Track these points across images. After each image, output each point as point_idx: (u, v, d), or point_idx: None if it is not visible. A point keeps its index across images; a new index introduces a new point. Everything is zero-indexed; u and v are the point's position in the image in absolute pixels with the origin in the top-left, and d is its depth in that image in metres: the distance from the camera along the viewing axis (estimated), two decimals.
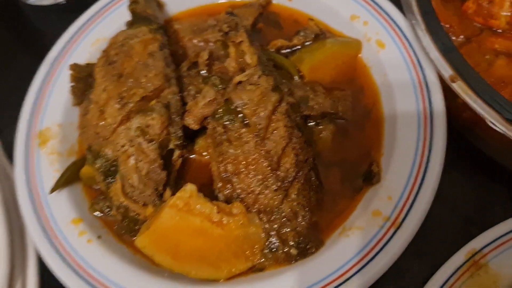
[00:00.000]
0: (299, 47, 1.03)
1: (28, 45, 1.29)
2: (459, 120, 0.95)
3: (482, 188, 0.97)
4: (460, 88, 0.83)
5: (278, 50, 1.02)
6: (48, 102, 1.01)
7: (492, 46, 0.97)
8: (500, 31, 0.99)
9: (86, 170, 0.91)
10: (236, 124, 0.83)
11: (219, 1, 1.14)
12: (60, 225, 0.88)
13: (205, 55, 0.91)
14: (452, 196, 0.96)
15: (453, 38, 1.00)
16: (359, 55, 1.01)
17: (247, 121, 0.83)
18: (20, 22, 1.34)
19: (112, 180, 0.86)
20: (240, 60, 0.87)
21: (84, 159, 0.92)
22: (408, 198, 0.82)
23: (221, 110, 0.84)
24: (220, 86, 0.88)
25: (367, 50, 1.00)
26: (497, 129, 0.78)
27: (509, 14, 0.98)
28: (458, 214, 0.95)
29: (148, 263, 0.86)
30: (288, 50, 1.03)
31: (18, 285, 0.88)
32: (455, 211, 0.95)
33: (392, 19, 0.98)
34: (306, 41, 1.02)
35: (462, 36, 1.00)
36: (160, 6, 1.11)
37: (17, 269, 0.89)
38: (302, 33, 1.02)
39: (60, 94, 1.02)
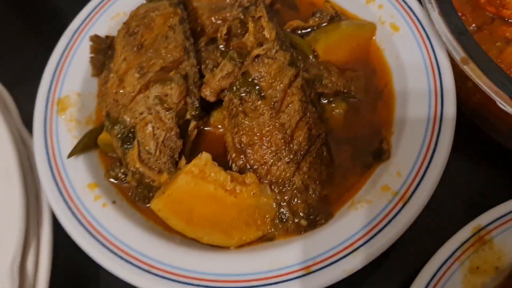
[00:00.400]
0: (314, 28, 1.05)
1: (48, 19, 1.32)
2: (469, 104, 0.97)
3: (488, 171, 1.00)
4: (471, 70, 0.85)
5: (294, 30, 1.05)
6: (68, 72, 1.04)
7: (503, 34, 0.99)
8: (511, 21, 1.01)
9: (104, 136, 0.94)
10: (252, 96, 0.86)
11: None
12: (76, 189, 0.91)
13: (224, 30, 0.94)
14: (459, 178, 0.99)
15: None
16: (373, 37, 1.03)
17: (263, 94, 0.86)
18: None
19: (129, 146, 0.88)
20: (258, 35, 0.89)
21: (102, 127, 0.95)
22: (416, 175, 0.84)
23: (239, 82, 0.87)
24: (238, 60, 0.90)
25: (381, 33, 1.02)
26: (508, 110, 0.81)
27: None
28: (464, 194, 0.98)
29: (161, 229, 0.88)
30: (304, 31, 1.05)
31: (33, 244, 0.90)
32: (461, 191, 0.99)
33: (406, 3, 1.00)
34: (322, 23, 1.04)
35: (474, 25, 1.02)
36: None
37: (32, 229, 0.91)
38: (318, 15, 1.04)
39: (80, 64, 1.05)
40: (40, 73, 1.06)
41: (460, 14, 1.03)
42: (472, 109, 0.98)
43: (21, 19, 1.34)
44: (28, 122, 1.05)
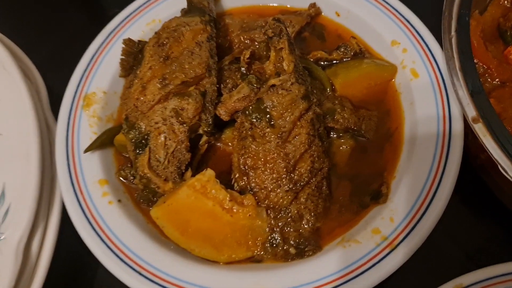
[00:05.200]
0: (337, 61, 1.07)
1: (87, 8, 1.39)
2: (477, 159, 0.98)
3: (486, 227, 1.01)
4: (480, 130, 0.86)
5: (317, 60, 1.07)
6: (98, 70, 1.10)
7: None
8: None
9: (120, 137, 0.99)
10: (262, 123, 0.89)
11: (271, 4, 1.20)
12: (87, 183, 0.97)
13: (247, 54, 0.97)
14: (458, 230, 1.00)
15: (489, 80, 1.03)
16: (393, 79, 1.05)
17: (273, 122, 0.89)
18: None
19: (141, 151, 0.93)
20: (278, 65, 0.92)
21: (120, 127, 1.00)
22: (409, 224, 0.86)
23: (252, 107, 0.90)
24: (256, 85, 0.94)
25: (401, 76, 1.03)
26: (508, 176, 0.81)
27: None
28: (459, 247, 0.99)
29: (158, 234, 0.93)
30: (327, 63, 1.08)
31: (40, 226, 0.95)
32: (457, 244, 0.99)
33: (430, 52, 1.01)
34: (345, 57, 1.07)
35: (497, 80, 1.02)
36: None
37: (42, 212, 0.96)
38: (342, 49, 1.06)
39: (110, 64, 1.10)
40: (75, 59, 1.12)
41: (485, 66, 1.04)
42: (480, 165, 0.99)
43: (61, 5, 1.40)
44: (55, 105, 1.10)
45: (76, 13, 1.39)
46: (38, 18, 1.39)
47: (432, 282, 0.86)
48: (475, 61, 1.03)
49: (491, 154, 0.83)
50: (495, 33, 1.08)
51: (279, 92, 0.89)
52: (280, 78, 0.90)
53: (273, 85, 0.90)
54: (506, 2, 1.10)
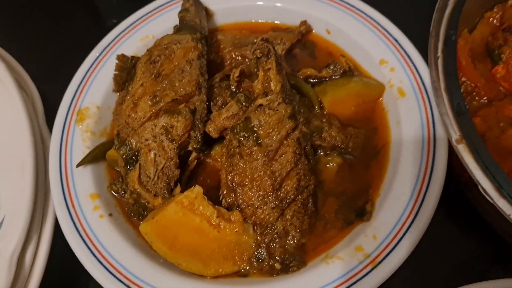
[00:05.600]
0: (326, 79, 1.09)
1: (85, 19, 1.41)
2: (461, 178, 1.00)
3: (473, 245, 1.01)
4: (462, 151, 0.87)
5: (306, 78, 1.09)
6: (92, 84, 1.12)
7: (509, 114, 1.00)
8: None
9: (112, 152, 1.01)
10: (249, 142, 0.91)
11: (263, 21, 1.21)
12: (79, 197, 0.99)
13: (237, 73, 0.99)
14: (444, 246, 1.01)
15: (476, 98, 1.04)
16: (381, 98, 1.06)
17: (260, 141, 0.91)
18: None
19: (132, 168, 0.95)
20: (266, 84, 0.94)
21: (112, 142, 1.02)
22: (391, 242, 0.87)
23: (240, 126, 0.92)
24: (244, 103, 0.96)
25: (388, 95, 1.05)
26: (487, 197, 0.83)
27: None
28: (445, 263, 1.00)
29: (148, 248, 0.95)
30: (316, 80, 1.09)
31: (34, 238, 0.97)
32: (443, 260, 1.00)
33: (417, 72, 1.02)
34: (334, 75, 1.08)
35: (485, 98, 1.03)
36: (209, 15, 1.20)
37: (35, 224, 0.98)
38: (331, 67, 1.08)
39: (104, 79, 1.12)
40: (72, 71, 1.14)
41: (473, 85, 1.05)
42: (464, 183, 1.00)
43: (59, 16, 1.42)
44: (51, 117, 1.12)
45: (73, 25, 1.41)
46: (35, 29, 1.42)
47: None
48: (463, 79, 1.05)
49: (473, 174, 0.84)
50: (484, 52, 1.09)
51: (266, 112, 0.91)
52: (267, 98, 0.92)
53: (261, 105, 0.92)
54: (495, 21, 1.11)
